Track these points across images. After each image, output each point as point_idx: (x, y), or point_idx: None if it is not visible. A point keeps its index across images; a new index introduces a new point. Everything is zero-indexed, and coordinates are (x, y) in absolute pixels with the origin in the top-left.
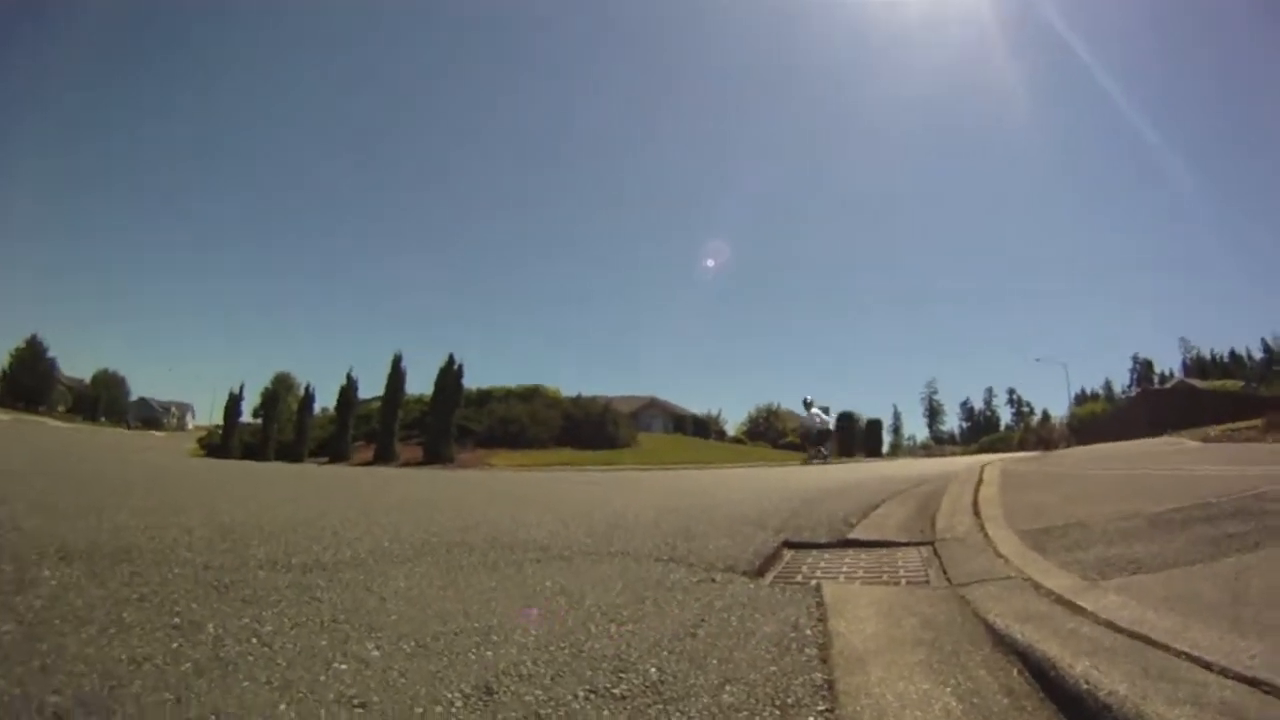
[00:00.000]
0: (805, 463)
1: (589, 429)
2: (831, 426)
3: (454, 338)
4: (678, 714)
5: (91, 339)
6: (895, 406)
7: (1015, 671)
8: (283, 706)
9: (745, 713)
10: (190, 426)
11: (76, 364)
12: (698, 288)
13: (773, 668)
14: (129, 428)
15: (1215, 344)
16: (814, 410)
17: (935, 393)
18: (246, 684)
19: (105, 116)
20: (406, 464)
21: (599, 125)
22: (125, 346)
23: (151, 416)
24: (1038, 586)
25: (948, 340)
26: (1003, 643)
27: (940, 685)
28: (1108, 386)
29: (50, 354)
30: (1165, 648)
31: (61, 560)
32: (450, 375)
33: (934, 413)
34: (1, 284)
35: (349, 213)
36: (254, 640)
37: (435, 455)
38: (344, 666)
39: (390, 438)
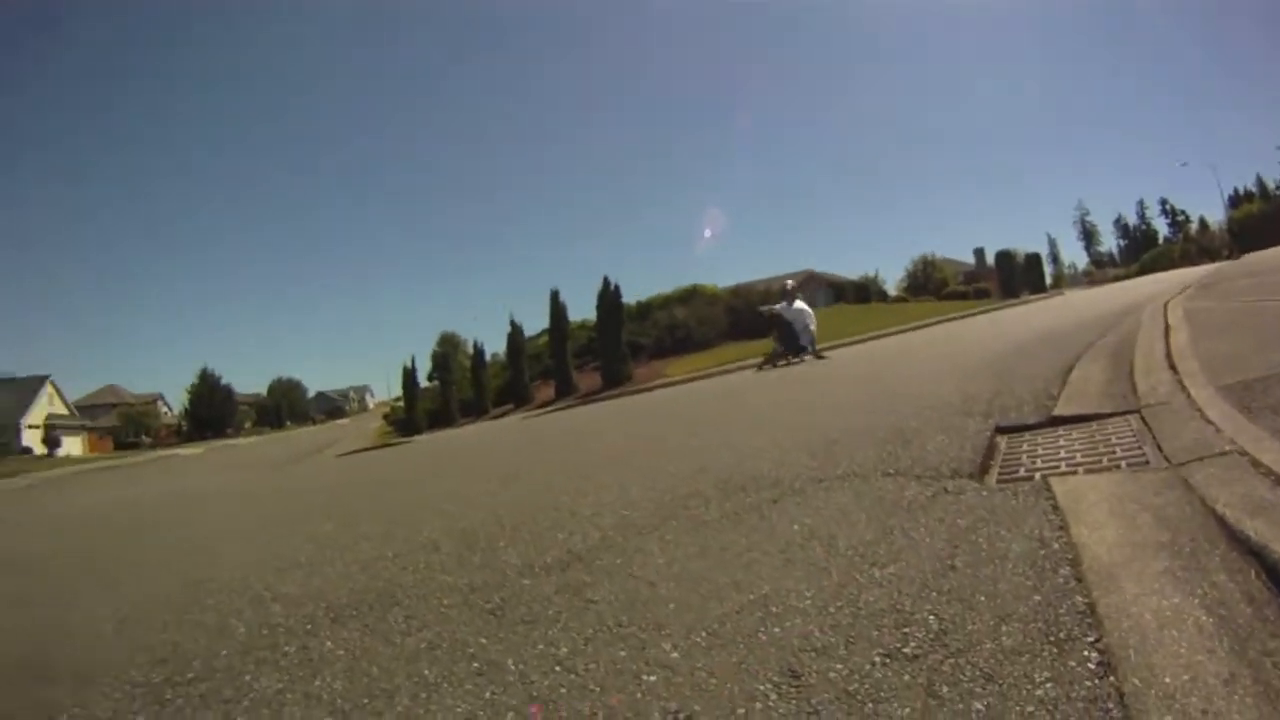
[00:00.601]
0: (761, 368)
1: (752, 317)
2: (814, 329)
3: (603, 260)
4: (969, 667)
5: (262, 355)
6: (1049, 235)
7: (1253, 574)
8: None
9: (1026, 656)
10: (372, 406)
11: (251, 381)
12: (845, 147)
13: (1036, 597)
14: (314, 423)
15: None
16: (799, 305)
17: (1087, 214)
18: None
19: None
20: (588, 394)
21: None
22: (294, 350)
23: (333, 407)
24: (1256, 464)
25: (1093, 158)
26: (1236, 539)
27: (1188, 597)
28: (1260, 183)
29: (224, 381)
30: None
31: (335, 622)
32: (609, 297)
33: (1089, 236)
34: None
35: (486, 162)
36: (558, 669)
37: (613, 378)
38: (653, 678)
39: (566, 371)
